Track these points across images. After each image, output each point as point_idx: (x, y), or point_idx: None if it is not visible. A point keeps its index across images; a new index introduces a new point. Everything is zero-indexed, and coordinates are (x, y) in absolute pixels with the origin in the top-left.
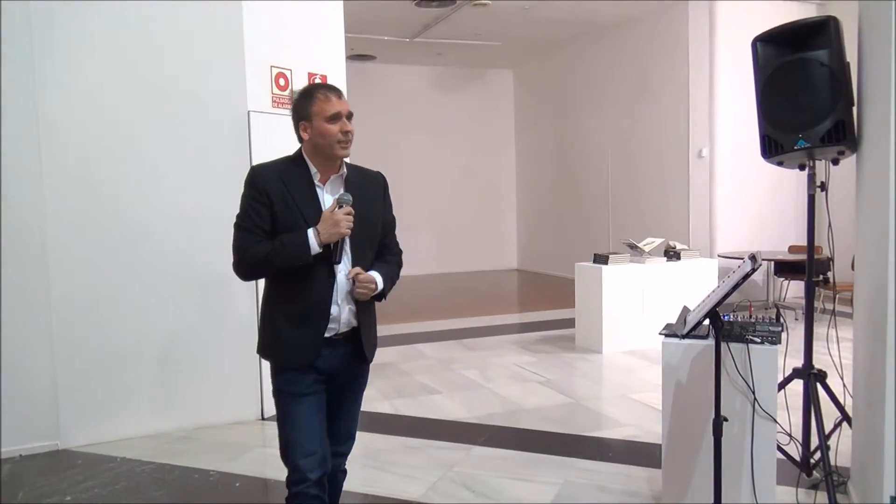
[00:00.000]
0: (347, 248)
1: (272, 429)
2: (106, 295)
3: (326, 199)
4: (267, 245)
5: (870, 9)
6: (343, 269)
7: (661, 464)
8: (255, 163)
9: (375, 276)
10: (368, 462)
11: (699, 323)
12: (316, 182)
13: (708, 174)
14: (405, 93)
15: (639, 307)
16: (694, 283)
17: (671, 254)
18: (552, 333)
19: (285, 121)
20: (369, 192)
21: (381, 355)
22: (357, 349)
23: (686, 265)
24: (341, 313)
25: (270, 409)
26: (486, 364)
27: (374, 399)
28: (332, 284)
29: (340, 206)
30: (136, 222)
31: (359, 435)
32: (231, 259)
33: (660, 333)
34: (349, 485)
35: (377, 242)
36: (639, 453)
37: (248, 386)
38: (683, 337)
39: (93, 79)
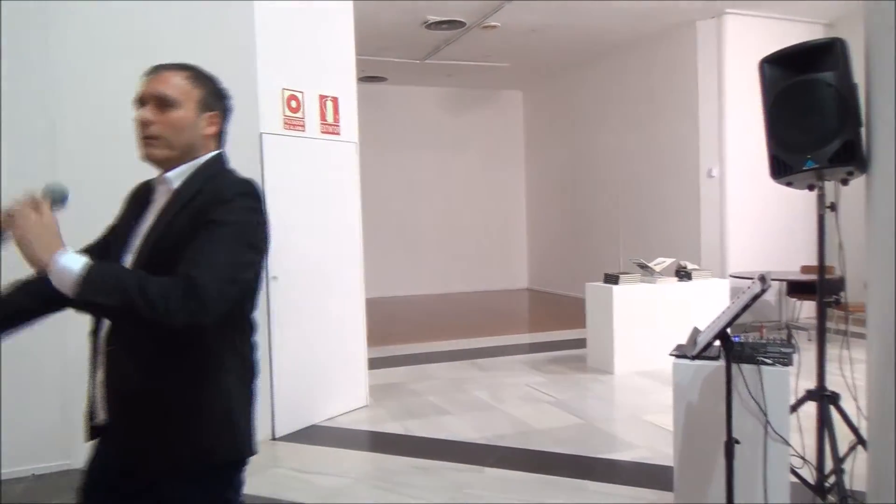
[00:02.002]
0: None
1: (283, 449)
2: None
3: (147, 223)
4: None
5: (876, 29)
6: None
7: (673, 486)
8: (268, 184)
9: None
10: (379, 483)
11: (709, 344)
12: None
13: (718, 194)
14: (416, 114)
15: (650, 327)
16: (705, 304)
17: (682, 274)
18: (563, 354)
19: (297, 142)
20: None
21: (391, 375)
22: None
23: (697, 285)
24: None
25: (281, 428)
26: (497, 384)
27: (384, 419)
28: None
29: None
30: None
31: (370, 455)
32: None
33: (670, 354)
34: None
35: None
36: (651, 476)
37: (260, 405)
38: (694, 358)
39: (106, 101)
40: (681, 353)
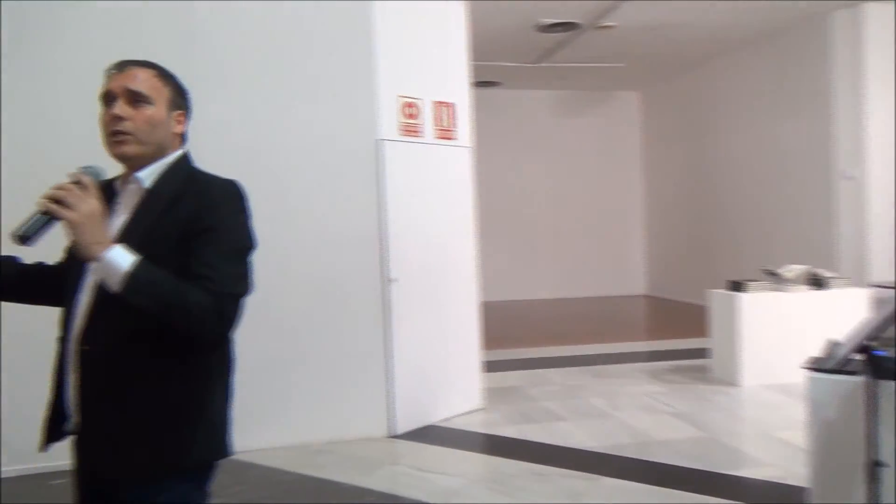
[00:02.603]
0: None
1: (401, 446)
2: (251, 312)
3: (118, 220)
4: None
5: None
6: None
7: None
8: (386, 189)
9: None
10: (495, 486)
11: (848, 357)
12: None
13: (857, 197)
14: (529, 118)
15: (781, 338)
16: (842, 314)
17: (816, 282)
18: (684, 363)
19: (413, 148)
20: (176, 207)
21: (506, 379)
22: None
23: (833, 294)
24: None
25: (399, 426)
26: (614, 392)
27: (499, 423)
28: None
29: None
30: (274, 246)
31: (485, 458)
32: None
33: (804, 367)
34: None
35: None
36: (782, 496)
37: (377, 403)
38: (832, 372)
39: (234, 112)
40: (817, 366)
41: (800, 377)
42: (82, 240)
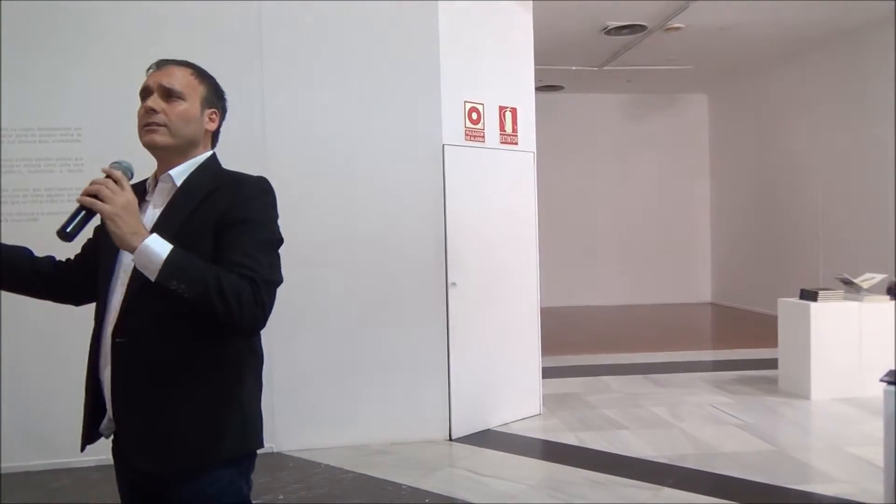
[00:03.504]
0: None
1: (459, 449)
2: (316, 312)
3: (147, 216)
4: None
5: None
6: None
7: None
8: (448, 193)
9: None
10: (553, 493)
11: None
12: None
13: None
14: (593, 121)
15: (855, 350)
16: None
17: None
18: (751, 374)
19: (477, 153)
20: (212, 201)
21: (566, 385)
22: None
23: None
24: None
25: (457, 430)
26: (677, 402)
27: (558, 429)
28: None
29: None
30: (339, 248)
31: (543, 464)
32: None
33: (881, 380)
34: None
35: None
36: None
37: (437, 406)
38: None
39: (313, 115)
40: (894, 379)
41: (875, 391)
42: (119, 231)
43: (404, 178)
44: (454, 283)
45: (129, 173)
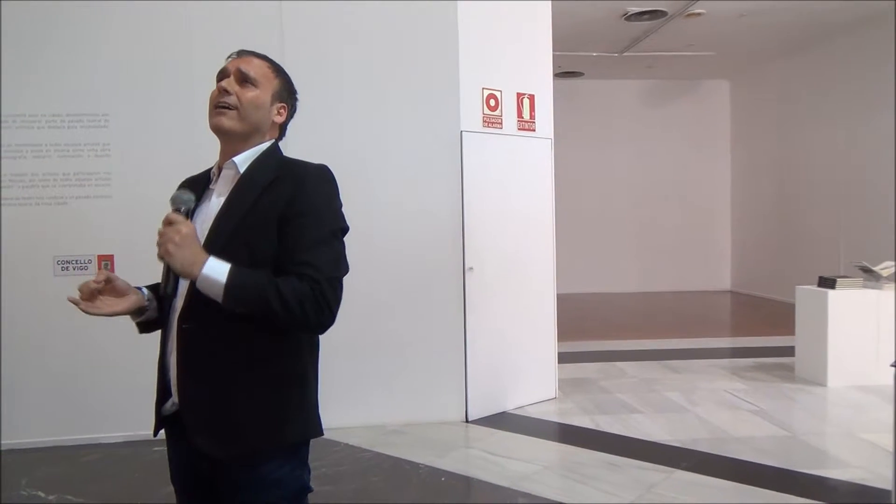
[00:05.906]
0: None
1: (475, 431)
2: None
3: (212, 204)
4: None
5: None
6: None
7: None
8: (466, 180)
9: (212, 262)
10: (568, 474)
11: None
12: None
13: None
14: (613, 108)
15: (872, 338)
16: None
17: None
18: (767, 361)
19: (494, 139)
20: (270, 191)
21: (581, 370)
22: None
23: None
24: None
25: (474, 412)
26: (692, 387)
27: (573, 413)
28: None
29: (178, 211)
30: (359, 233)
31: (558, 446)
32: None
33: (892, 365)
34: (547, 492)
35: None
36: (867, 498)
37: (453, 388)
38: None
39: (334, 103)
40: None
41: (889, 378)
42: (179, 266)
43: (422, 164)
44: (471, 268)
45: (185, 206)
